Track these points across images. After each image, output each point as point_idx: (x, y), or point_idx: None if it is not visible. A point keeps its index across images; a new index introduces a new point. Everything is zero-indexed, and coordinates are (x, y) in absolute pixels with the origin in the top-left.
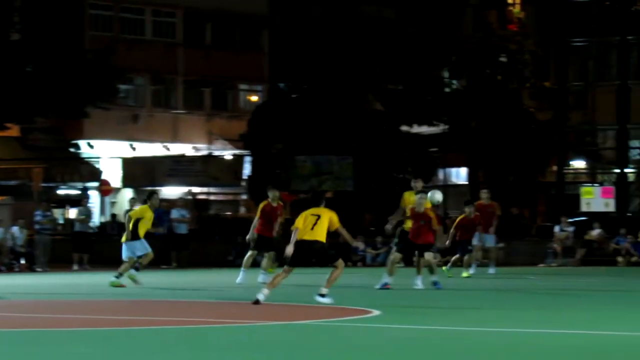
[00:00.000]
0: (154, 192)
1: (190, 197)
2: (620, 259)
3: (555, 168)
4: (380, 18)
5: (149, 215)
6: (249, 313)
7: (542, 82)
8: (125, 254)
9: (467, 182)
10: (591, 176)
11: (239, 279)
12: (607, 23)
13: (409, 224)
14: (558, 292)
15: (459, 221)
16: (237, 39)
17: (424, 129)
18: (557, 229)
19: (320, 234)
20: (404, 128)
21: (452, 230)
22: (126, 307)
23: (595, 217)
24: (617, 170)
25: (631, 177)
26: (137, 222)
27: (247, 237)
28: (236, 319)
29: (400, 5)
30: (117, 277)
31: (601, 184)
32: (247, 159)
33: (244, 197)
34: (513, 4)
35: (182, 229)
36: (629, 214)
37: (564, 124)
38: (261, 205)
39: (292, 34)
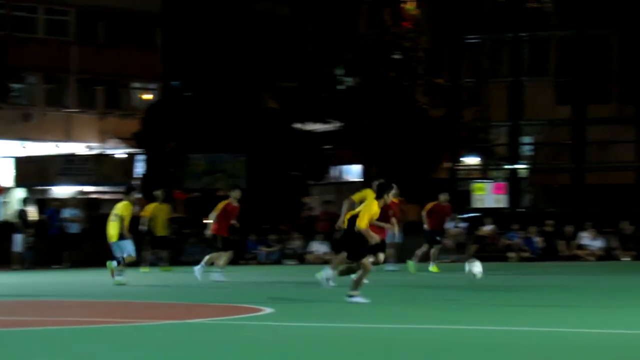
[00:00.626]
0: (133, 188)
1: (82, 196)
2: (512, 254)
3: (448, 164)
4: (274, 15)
5: (131, 212)
6: (140, 312)
7: (435, 79)
8: (117, 253)
9: (361, 179)
10: (483, 172)
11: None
12: (500, 20)
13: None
14: (452, 288)
15: (430, 207)
16: (130, 37)
17: (318, 127)
18: (450, 225)
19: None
20: (298, 126)
21: (424, 212)
22: (23, 307)
23: (487, 213)
24: (509, 167)
25: (523, 173)
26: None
27: (206, 233)
28: (127, 319)
29: (295, 2)
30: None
31: (493, 180)
32: (140, 157)
33: (137, 195)
34: (406, 1)
35: (74, 229)
36: (520, 210)
37: (457, 121)
38: (222, 205)
39: (186, 32)
